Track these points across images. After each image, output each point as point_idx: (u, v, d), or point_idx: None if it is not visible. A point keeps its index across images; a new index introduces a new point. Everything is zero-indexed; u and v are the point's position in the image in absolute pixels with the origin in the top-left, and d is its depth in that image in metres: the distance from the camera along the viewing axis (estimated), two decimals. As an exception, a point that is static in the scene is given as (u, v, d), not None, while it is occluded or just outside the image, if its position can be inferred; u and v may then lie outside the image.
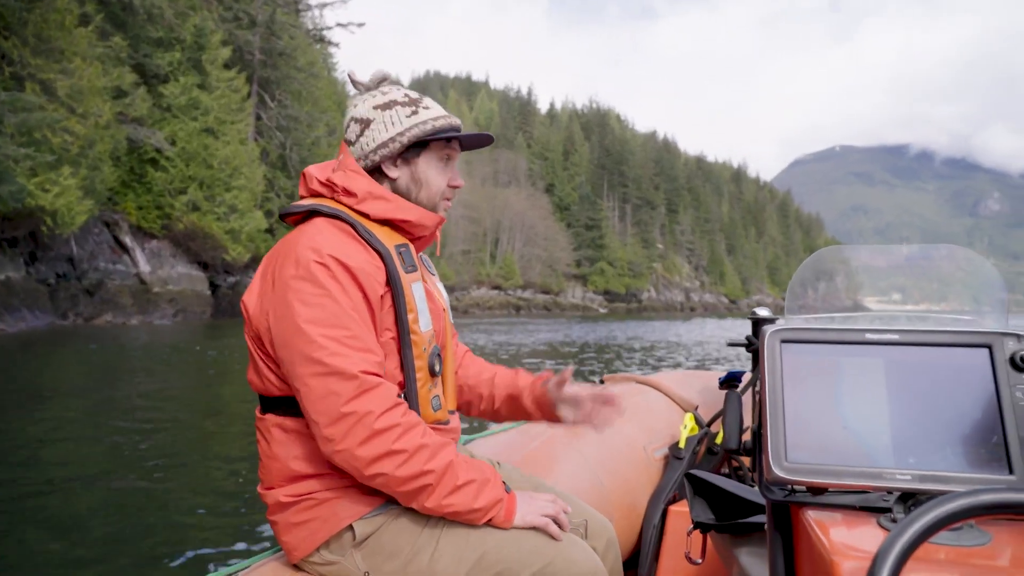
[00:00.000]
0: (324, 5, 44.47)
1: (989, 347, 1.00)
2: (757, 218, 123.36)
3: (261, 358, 1.32)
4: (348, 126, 1.41)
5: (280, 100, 38.47)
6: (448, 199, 1.47)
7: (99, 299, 26.08)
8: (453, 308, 1.70)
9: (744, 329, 2.47)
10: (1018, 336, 1.00)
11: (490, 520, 1.29)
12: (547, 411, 1.60)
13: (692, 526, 1.63)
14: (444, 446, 1.26)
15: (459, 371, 1.64)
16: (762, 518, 1.51)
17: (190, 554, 3.66)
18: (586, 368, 13.65)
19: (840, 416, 1.01)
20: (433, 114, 1.41)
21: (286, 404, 1.30)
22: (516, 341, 21.28)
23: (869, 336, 1.04)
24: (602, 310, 74.54)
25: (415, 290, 1.34)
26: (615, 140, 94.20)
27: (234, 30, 36.36)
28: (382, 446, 1.19)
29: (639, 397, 2.52)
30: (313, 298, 1.22)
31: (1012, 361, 0.99)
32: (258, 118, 37.74)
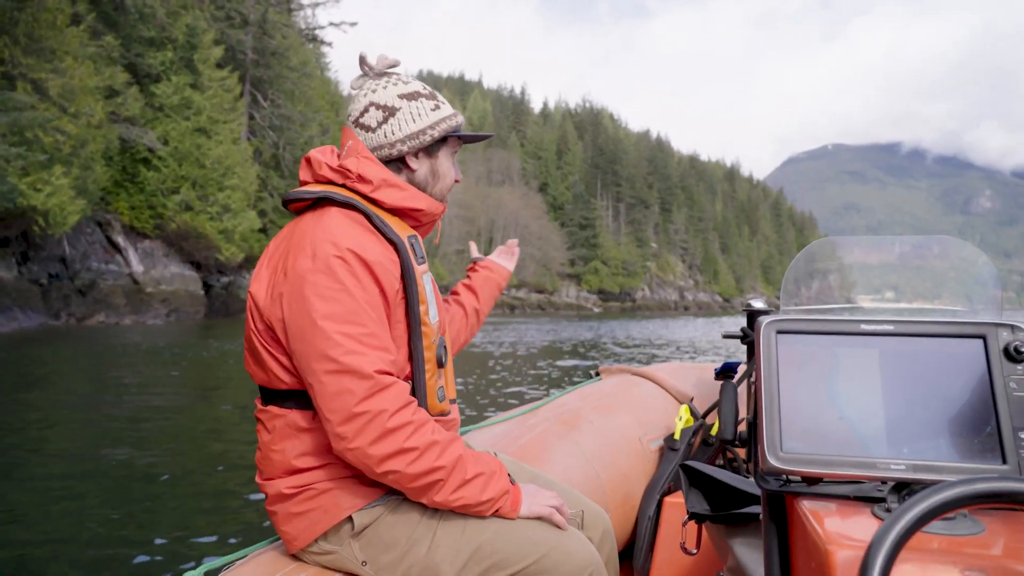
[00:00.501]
0: (316, 4, 44.33)
1: (983, 337, 1.01)
2: (750, 217, 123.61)
3: (268, 350, 1.29)
4: (366, 110, 1.38)
5: (273, 99, 38.34)
6: (450, 191, 1.50)
7: (92, 299, 25.94)
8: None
9: (736, 325, 2.47)
10: (1012, 327, 1.01)
11: (497, 511, 1.30)
12: (498, 270, 1.84)
13: (687, 517, 1.64)
14: (453, 441, 1.26)
15: None
16: (757, 509, 1.52)
17: (186, 545, 3.66)
18: (581, 363, 13.68)
19: (835, 406, 1.02)
20: (451, 110, 1.44)
21: (291, 397, 1.29)
22: (510, 340, 21.28)
23: (864, 327, 1.05)
24: (596, 309, 74.58)
25: (426, 282, 1.35)
26: (608, 139, 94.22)
27: (226, 29, 36.23)
28: (394, 444, 1.19)
29: (634, 389, 2.52)
30: (330, 292, 1.21)
31: (1006, 352, 0.99)
32: (251, 117, 37.61)
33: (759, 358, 1.06)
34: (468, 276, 1.83)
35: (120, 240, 29.10)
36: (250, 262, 34.23)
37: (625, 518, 2.05)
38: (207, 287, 32.37)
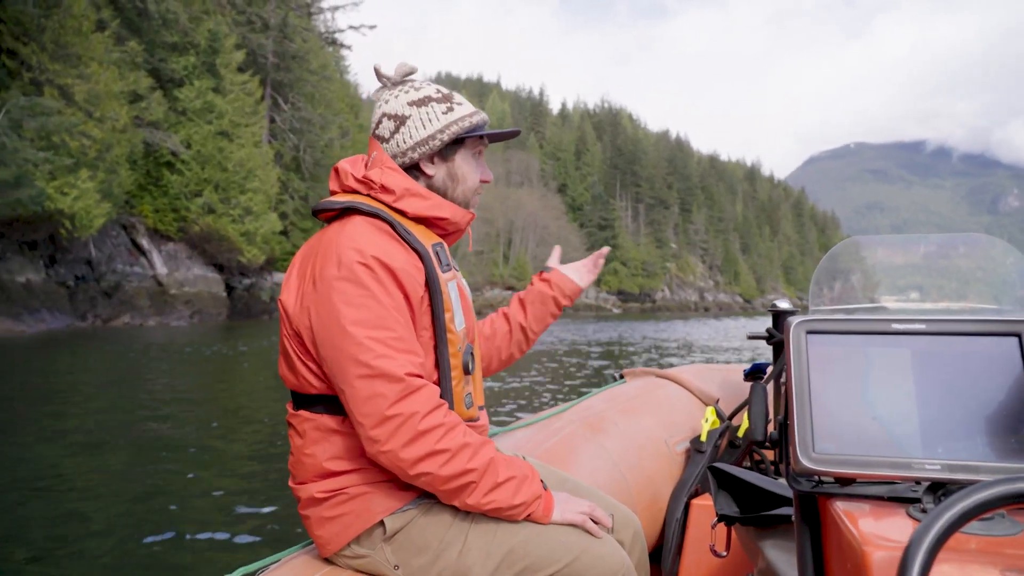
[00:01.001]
0: (336, 8, 44.69)
1: (1018, 335, 1.00)
2: (771, 217, 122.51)
3: (299, 356, 1.31)
4: (380, 122, 1.40)
5: (293, 103, 38.68)
6: (478, 193, 1.48)
7: (117, 301, 26.35)
8: None
9: (758, 326, 2.46)
10: None
11: (529, 515, 1.30)
12: (561, 285, 1.75)
13: (716, 519, 1.63)
14: (485, 444, 1.27)
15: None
16: (787, 510, 1.51)
17: (220, 549, 3.69)
18: (603, 364, 13.64)
19: (867, 406, 1.01)
20: (468, 110, 1.41)
21: (321, 401, 1.31)
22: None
23: (896, 326, 1.04)
24: (616, 310, 74.31)
25: (451, 289, 1.35)
26: (627, 139, 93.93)
27: (247, 34, 36.61)
28: (426, 446, 1.20)
29: (659, 391, 2.51)
30: (358, 299, 1.22)
31: None
32: (272, 121, 37.97)
33: (789, 358, 1.05)
34: (532, 283, 1.79)
35: (144, 243, 29.52)
36: (271, 264, 34.55)
37: (652, 520, 2.04)
38: (229, 289, 32.70)
